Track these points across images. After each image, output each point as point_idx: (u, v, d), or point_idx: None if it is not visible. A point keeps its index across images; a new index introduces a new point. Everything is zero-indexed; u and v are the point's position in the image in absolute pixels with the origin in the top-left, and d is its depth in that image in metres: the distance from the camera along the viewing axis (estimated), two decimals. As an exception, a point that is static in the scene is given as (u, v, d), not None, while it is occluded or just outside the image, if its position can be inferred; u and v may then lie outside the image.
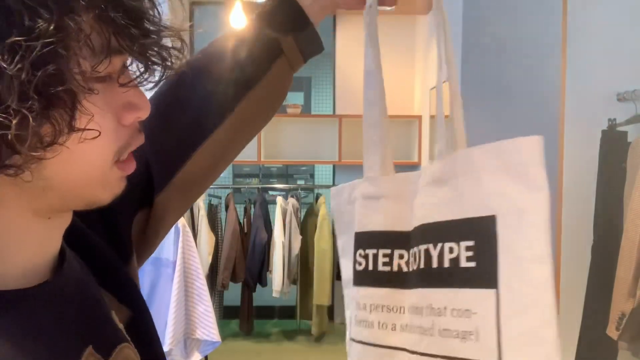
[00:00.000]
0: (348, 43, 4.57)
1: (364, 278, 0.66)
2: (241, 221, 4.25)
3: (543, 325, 0.49)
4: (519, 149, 0.53)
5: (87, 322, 0.47)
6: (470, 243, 0.54)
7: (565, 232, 1.95)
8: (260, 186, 4.80)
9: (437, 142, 0.60)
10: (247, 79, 0.66)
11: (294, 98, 5.65)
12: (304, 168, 5.90)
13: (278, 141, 4.51)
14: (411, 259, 0.61)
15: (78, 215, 0.56)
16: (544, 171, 0.51)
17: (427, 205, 0.59)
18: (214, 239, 4.01)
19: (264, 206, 4.31)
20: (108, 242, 0.59)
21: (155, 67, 0.46)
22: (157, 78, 0.47)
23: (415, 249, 0.60)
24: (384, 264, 0.64)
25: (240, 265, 4.12)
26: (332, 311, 4.68)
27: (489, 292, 0.52)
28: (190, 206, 0.72)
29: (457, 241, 0.55)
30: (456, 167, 0.57)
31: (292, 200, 4.26)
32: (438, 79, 0.66)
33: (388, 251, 0.64)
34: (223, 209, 4.28)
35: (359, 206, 0.68)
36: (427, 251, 0.57)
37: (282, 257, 4.09)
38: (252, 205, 4.32)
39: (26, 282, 0.44)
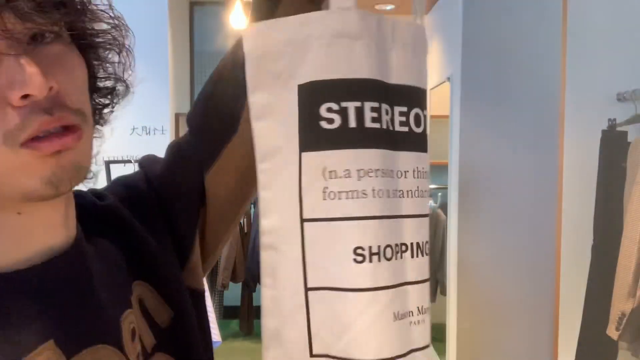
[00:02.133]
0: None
1: (339, 139, 0.51)
2: (241, 221, 4.25)
3: None
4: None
5: (63, 316, 0.46)
6: (418, 110, 0.56)
7: (565, 232, 1.95)
8: (260, 186, 4.79)
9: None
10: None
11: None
12: (304, 168, 5.89)
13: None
14: (402, 119, 0.54)
15: (136, 212, 0.57)
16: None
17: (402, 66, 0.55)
18: (214, 239, 4.01)
19: (264, 206, 4.31)
20: (170, 239, 0.58)
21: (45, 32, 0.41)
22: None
23: (402, 108, 0.55)
24: (373, 119, 0.51)
25: (240, 265, 4.12)
26: (332, 311, 4.68)
27: (425, 155, 0.58)
28: (248, 196, 0.65)
29: (413, 107, 0.56)
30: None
31: (292, 200, 4.26)
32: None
33: (376, 104, 0.51)
34: (223, 209, 4.28)
35: (324, 46, 0.52)
36: (403, 113, 0.55)
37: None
38: (252, 205, 4.32)
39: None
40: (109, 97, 0.54)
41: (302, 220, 0.53)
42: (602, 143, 1.85)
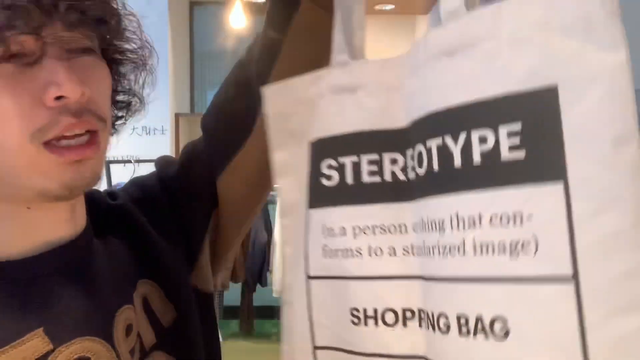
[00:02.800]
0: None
1: (337, 195, 0.50)
2: (241, 221, 4.25)
3: (635, 224, 0.35)
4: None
5: (55, 306, 0.47)
6: (516, 127, 0.39)
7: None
8: (260, 186, 4.80)
9: (444, 2, 0.44)
10: (274, 41, 0.59)
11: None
12: (304, 168, 5.90)
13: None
14: (412, 163, 0.47)
15: (148, 212, 0.58)
16: (619, 24, 0.39)
17: (436, 86, 0.44)
18: (214, 239, 4.01)
19: (264, 206, 4.31)
20: (180, 240, 0.59)
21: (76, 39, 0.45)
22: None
23: (420, 147, 0.45)
24: (371, 173, 0.49)
25: (240, 265, 4.12)
26: (332, 311, 4.68)
27: (553, 187, 0.37)
28: (261, 199, 0.66)
29: (494, 126, 0.40)
30: (481, 29, 0.41)
31: (292, 200, 4.26)
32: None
33: (375, 156, 0.48)
34: (223, 209, 4.28)
35: (326, 103, 0.52)
36: (441, 147, 0.42)
37: (282, 257, 4.09)
38: (252, 205, 4.32)
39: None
40: (125, 110, 0.58)
41: (308, 277, 0.52)
42: (602, 143, 1.85)
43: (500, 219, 0.39)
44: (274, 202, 4.33)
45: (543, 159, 0.38)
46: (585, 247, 0.36)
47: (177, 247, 0.59)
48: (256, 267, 4.19)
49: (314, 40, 0.60)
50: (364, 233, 0.48)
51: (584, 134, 0.37)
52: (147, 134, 3.76)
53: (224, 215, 0.63)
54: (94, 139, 0.46)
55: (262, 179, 0.63)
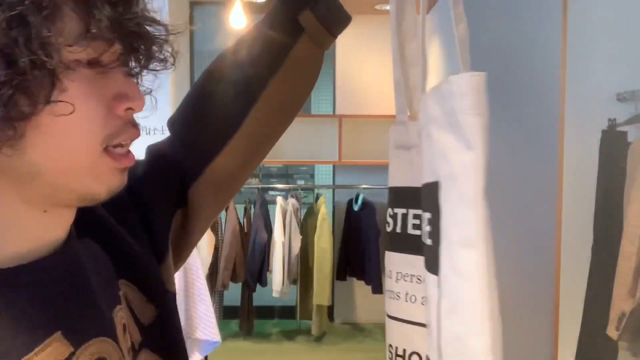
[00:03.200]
0: (348, 43, 4.57)
1: (393, 241, 0.57)
2: (241, 221, 4.25)
3: (470, 332, 0.39)
4: (452, 91, 0.41)
5: (67, 309, 0.47)
6: (428, 215, 0.45)
7: (565, 233, 1.95)
8: (260, 186, 4.80)
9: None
10: (267, 67, 0.63)
11: (294, 98, 5.63)
12: (304, 168, 5.90)
13: (278, 141, 4.50)
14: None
15: (114, 213, 0.58)
16: (480, 122, 0.40)
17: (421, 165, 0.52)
18: (214, 239, 4.00)
19: (264, 206, 4.31)
20: (147, 241, 0.60)
21: (143, 56, 0.47)
22: (148, 67, 0.48)
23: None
24: (414, 226, 0.54)
25: (240, 265, 4.12)
26: (332, 311, 4.68)
27: (434, 279, 0.44)
28: (226, 204, 0.71)
29: (411, 207, 0.51)
30: (414, 135, 0.51)
31: (292, 200, 4.26)
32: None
33: (418, 211, 0.54)
34: (223, 209, 4.27)
35: (392, 156, 0.60)
36: (404, 216, 0.53)
37: (282, 257, 4.09)
38: (252, 205, 4.31)
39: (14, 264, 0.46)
40: None
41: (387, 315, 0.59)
42: (602, 143, 1.85)
43: (411, 278, 0.51)
44: (274, 202, 4.34)
45: (435, 251, 0.43)
46: (444, 343, 0.41)
47: (145, 247, 0.60)
48: (256, 267, 4.19)
49: (304, 73, 0.64)
50: (404, 280, 0.54)
51: (446, 233, 0.42)
52: (147, 134, 3.75)
53: (191, 217, 0.64)
54: (131, 151, 0.49)
55: (230, 187, 0.67)
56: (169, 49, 0.50)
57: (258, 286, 4.29)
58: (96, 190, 0.47)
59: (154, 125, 3.77)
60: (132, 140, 0.49)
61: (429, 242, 0.44)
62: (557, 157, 1.96)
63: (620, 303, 1.64)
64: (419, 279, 0.52)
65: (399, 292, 0.54)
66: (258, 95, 0.63)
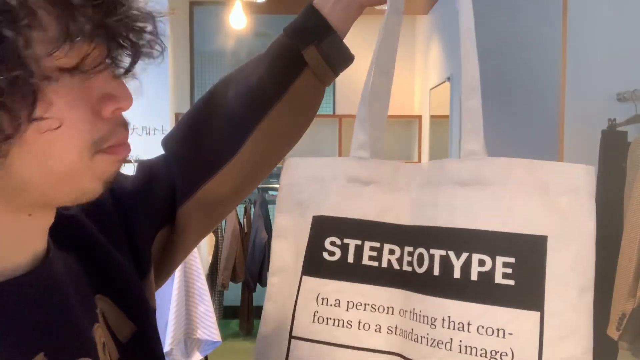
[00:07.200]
0: (348, 43, 4.56)
1: (337, 270, 0.57)
2: (241, 221, 4.25)
3: (584, 352, 0.48)
4: (578, 175, 0.51)
5: (49, 328, 0.45)
6: (510, 259, 0.50)
7: (565, 232, 1.95)
8: (260, 186, 4.80)
9: (467, 141, 0.54)
10: (268, 96, 0.62)
11: (294, 98, 5.64)
12: (304, 168, 5.89)
13: (278, 141, 4.50)
14: (409, 258, 0.56)
15: (99, 224, 0.56)
16: (594, 202, 0.50)
17: (447, 206, 0.53)
18: (214, 239, 4.01)
19: (264, 206, 4.31)
20: (129, 255, 0.58)
21: (129, 53, 0.44)
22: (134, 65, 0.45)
23: (422, 250, 0.54)
24: (371, 258, 0.57)
25: (240, 265, 4.12)
26: (332, 311, 4.67)
27: (532, 314, 0.48)
28: (214, 227, 0.70)
29: (492, 255, 0.50)
30: (494, 173, 0.52)
31: (292, 200, 4.26)
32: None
33: (377, 244, 0.57)
34: (223, 209, 4.27)
35: (339, 188, 0.60)
36: (444, 258, 0.52)
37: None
38: (252, 205, 4.32)
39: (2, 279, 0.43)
40: None
41: (291, 337, 0.58)
42: (602, 143, 1.85)
43: (486, 330, 0.49)
44: (274, 202, 4.34)
45: (528, 291, 0.49)
46: None
47: (128, 261, 0.58)
48: (256, 267, 4.19)
49: (304, 106, 0.65)
50: (356, 308, 0.56)
51: (561, 279, 0.48)
52: (147, 134, 3.75)
53: (177, 237, 0.63)
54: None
55: (227, 206, 0.67)
56: (157, 40, 0.46)
57: (258, 286, 4.29)
58: (92, 187, 0.45)
59: (154, 125, 3.77)
60: (125, 139, 0.46)
61: (506, 281, 0.49)
62: (557, 157, 1.96)
63: (621, 303, 1.64)
64: (372, 307, 0.55)
65: (351, 321, 0.56)
66: (257, 124, 0.62)
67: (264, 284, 4.27)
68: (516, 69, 2.46)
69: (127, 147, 0.46)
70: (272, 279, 0.63)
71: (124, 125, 0.46)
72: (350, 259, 0.57)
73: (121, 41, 0.42)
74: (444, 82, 3.67)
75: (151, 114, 3.69)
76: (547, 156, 2.11)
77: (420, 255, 0.54)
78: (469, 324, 0.49)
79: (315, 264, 0.59)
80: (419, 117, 4.37)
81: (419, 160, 4.30)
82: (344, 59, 0.65)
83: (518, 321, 0.48)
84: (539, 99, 2.24)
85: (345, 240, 0.58)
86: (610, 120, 1.87)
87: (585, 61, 1.95)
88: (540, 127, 2.21)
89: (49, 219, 0.47)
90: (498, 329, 0.48)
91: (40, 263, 0.46)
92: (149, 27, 0.45)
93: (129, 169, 0.65)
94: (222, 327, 3.32)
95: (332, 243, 0.58)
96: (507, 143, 2.53)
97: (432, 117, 4.09)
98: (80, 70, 0.40)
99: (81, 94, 0.42)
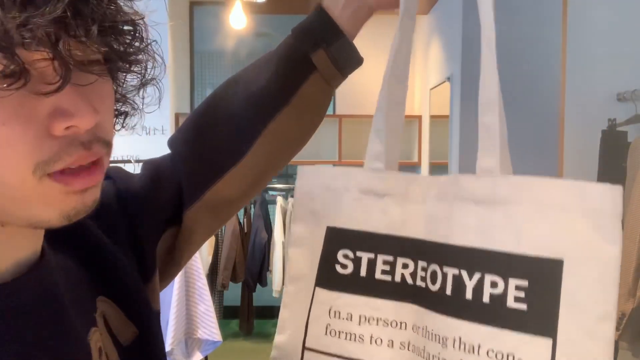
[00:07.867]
0: (348, 43, 4.57)
1: (349, 284, 0.57)
2: (241, 221, 4.25)
3: None
4: (600, 196, 0.47)
5: (42, 335, 0.43)
6: (523, 283, 0.47)
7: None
8: (260, 186, 4.80)
9: (482, 158, 0.52)
10: (276, 100, 0.62)
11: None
12: (304, 168, 5.90)
13: (278, 141, 4.50)
14: (422, 274, 0.54)
15: (103, 226, 0.54)
16: (620, 224, 0.47)
17: (461, 224, 0.51)
18: (214, 239, 4.01)
19: (264, 206, 4.31)
20: (134, 257, 0.57)
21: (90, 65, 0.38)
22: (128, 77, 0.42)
23: (435, 267, 0.52)
24: (384, 272, 0.55)
25: (240, 265, 4.12)
26: (332, 311, 4.67)
27: (543, 340, 0.46)
28: (220, 228, 0.68)
29: (505, 277, 0.48)
30: (509, 192, 0.49)
31: (292, 200, 4.26)
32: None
33: (390, 258, 0.56)
34: (223, 209, 4.27)
35: (352, 199, 0.59)
36: (457, 277, 0.50)
37: (282, 257, 4.09)
38: (252, 205, 4.32)
39: None
40: (122, 118, 0.52)
41: (304, 348, 0.58)
42: (602, 143, 1.85)
43: (496, 354, 0.47)
44: (274, 202, 4.34)
45: (541, 316, 0.46)
46: None
47: (133, 263, 0.56)
48: (256, 267, 4.19)
49: (312, 109, 0.64)
50: (369, 322, 0.55)
51: (577, 305, 0.46)
52: (147, 134, 3.75)
53: (183, 238, 0.63)
54: (98, 164, 0.41)
55: (233, 208, 0.66)
56: (140, 45, 0.41)
57: (258, 286, 4.29)
58: (45, 217, 0.39)
59: (154, 126, 3.77)
60: (83, 162, 0.39)
61: (517, 305, 0.47)
62: (557, 157, 1.96)
63: (620, 303, 1.65)
64: (385, 322, 0.55)
65: (363, 335, 0.55)
66: (264, 127, 0.62)
67: (264, 284, 4.27)
68: (516, 69, 2.46)
69: (86, 180, 0.39)
70: (289, 286, 0.62)
71: (85, 145, 0.38)
72: (363, 273, 0.56)
73: (65, 43, 0.35)
74: (444, 82, 3.67)
75: (151, 114, 3.69)
76: (547, 155, 2.12)
77: (434, 273, 0.52)
78: (479, 347, 0.48)
79: (327, 276, 0.58)
80: (419, 117, 4.37)
81: (419, 160, 4.30)
82: (353, 62, 0.64)
83: (529, 346, 0.46)
84: (539, 99, 2.24)
85: (358, 254, 0.57)
86: (610, 120, 1.87)
87: (585, 61, 1.95)
88: (540, 127, 2.21)
89: (32, 233, 0.44)
90: (508, 354, 0.47)
91: (28, 270, 0.44)
92: (127, 29, 0.40)
93: (128, 169, 0.65)
94: (222, 327, 3.32)
95: (345, 256, 0.57)
96: (507, 143, 2.53)
97: (432, 117, 4.09)
98: (17, 80, 0.34)
99: (23, 108, 0.36)
